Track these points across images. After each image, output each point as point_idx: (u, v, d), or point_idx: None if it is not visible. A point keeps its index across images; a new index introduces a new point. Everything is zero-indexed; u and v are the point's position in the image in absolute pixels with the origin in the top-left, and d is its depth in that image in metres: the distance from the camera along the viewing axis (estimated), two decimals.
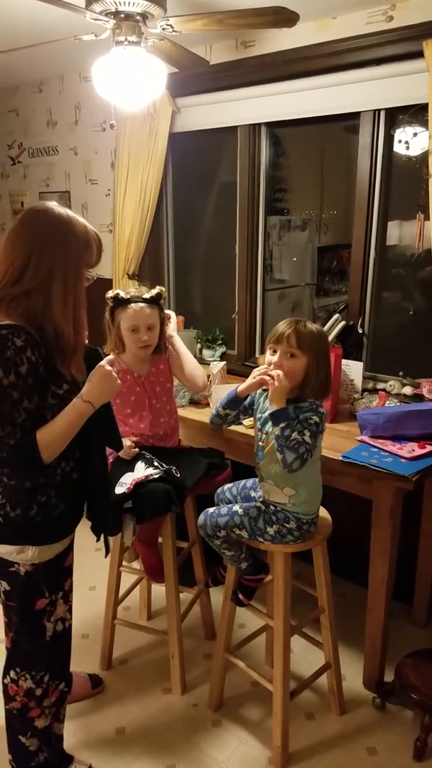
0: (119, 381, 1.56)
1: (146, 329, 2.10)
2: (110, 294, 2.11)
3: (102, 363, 1.53)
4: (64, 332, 1.46)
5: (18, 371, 1.37)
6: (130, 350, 2.15)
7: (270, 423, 1.75)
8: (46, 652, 1.68)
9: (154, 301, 2.13)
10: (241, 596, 2.03)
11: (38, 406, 1.44)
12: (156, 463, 2.06)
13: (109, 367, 1.53)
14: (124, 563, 2.36)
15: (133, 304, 2.09)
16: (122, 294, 2.11)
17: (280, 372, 1.71)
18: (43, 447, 1.43)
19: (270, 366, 1.75)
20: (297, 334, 1.73)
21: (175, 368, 2.28)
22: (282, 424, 1.68)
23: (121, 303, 2.10)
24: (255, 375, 1.77)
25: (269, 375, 1.72)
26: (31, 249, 1.42)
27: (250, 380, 1.79)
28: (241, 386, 1.83)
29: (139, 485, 1.96)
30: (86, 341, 1.56)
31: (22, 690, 1.67)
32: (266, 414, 1.79)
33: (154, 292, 2.13)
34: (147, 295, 2.11)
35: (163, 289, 2.17)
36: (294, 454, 1.66)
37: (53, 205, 1.49)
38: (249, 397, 1.91)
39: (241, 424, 1.91)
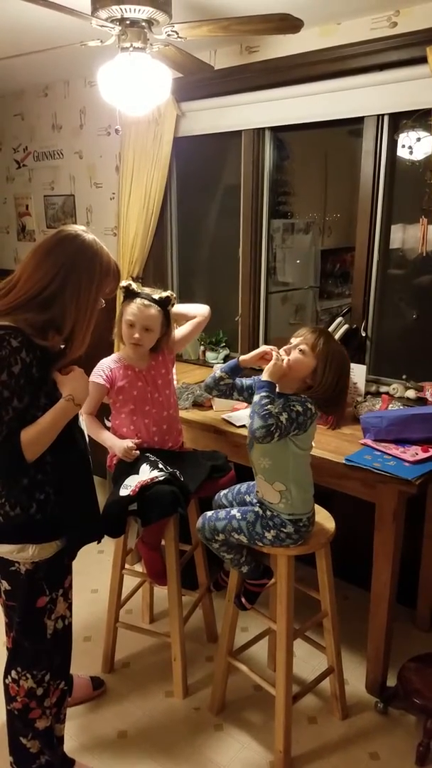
0: (85, 374, 1.61)
1: (142, 329, 2.10)
2: (123, 284, 2.11)
3: (75, 370, 1.59)
4: (78, 348, 1.55)
5: (11, 371, 1.42)
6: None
7: None
8: (47, 651, 1.69)
9: (162, 305, 2.12)
10: (243, 600, 2.04)
11: (28, 405, 1.48)
12: (161, 465, 2.06)
13: (76, 368, 1.60)
14: (127, 566, 2.36)
15: (138, 300, 2.09)
16: (134, 286, 2.12)
17: (287, 357, 1.77)
18: (25, 445, 1.46)
19: (279, 350, 1.80)
20: (315, 337, 1.78)
21: (174, 343, 2.26)
22: (263, 393, 1.70)
23: (129, 295, 2.11)
24: (260, 349, 1.82)
25: (276, 352, 1.77)
26: (58, 270, 1.49)
27: (254, 351, 1.83)
28: (244, 356, 1.88)
29: (145, 488, 1.97)
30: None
31: (23, 690, 1.68)
32: None
33: (164, 294, 2.13)
34: (156, 296, 2.12)
35: (174, 294, 2.16)
36: (261, 422, 1.65)
37: (82, 230, 1.56)
38: (250, 380, 1.91)
39: (231, 398, 1.93)
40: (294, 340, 1.81)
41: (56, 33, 2.45)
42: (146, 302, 2.09)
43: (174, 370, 2.33)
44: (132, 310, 2.09)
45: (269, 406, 1.68)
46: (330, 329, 2.62)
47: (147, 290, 2.14)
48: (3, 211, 4.27)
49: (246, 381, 1.90)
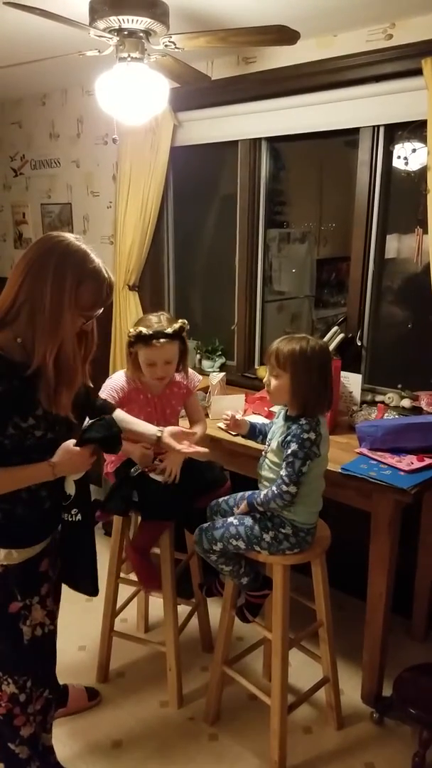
0: (89, 466, 1.58)
1: (163, 363, 2.08)
2: (133, 331, 2.05)
3: (83, 451, 1.54)
4: (45, 365, 1.42)
5: None
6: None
7: (273, 439, 1.85)
8: (25, 657, 1.66)
9: (177, 336, 2.08)
10: (246, 612, 2.03)
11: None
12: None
13: (88, 455, 1.55)
14: (122, 575, 2.35)
15: (154, 341, 2.03)
16: (145, 331, 2.03)
17: (238, 414, 1.97)
18: None
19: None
20: (276, 354, 1.79)
21: (189, 403, 2.31)
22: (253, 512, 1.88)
23: (142, 339, 2.05)
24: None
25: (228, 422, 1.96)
26: (25, 274, 1.41)
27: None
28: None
29: (146, 485, 2.03)
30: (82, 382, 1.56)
31: (5, 695, 1.66)
32: (273, 434, 1.89)
33: (176, 326, 2.07)
34: (169, 330, 2.05)
35: (185, 322, 2.10)
36: (276, 507, 1.80)
37: (74, 237, 1.45)
38: (262, 425, 2.00)
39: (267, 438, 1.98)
40: (267, 369, 1.85)
41: (54, 42, 2.46)
42: (162, 340, 2.03)
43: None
44: (150, 352, 2.05)
45: (261, 497, 1.82)
46: (325, 338, 2.63)
47: (155, 324, 2.06)
48: (0, 218, 4.28)
49: (260, 427, 2.00)
